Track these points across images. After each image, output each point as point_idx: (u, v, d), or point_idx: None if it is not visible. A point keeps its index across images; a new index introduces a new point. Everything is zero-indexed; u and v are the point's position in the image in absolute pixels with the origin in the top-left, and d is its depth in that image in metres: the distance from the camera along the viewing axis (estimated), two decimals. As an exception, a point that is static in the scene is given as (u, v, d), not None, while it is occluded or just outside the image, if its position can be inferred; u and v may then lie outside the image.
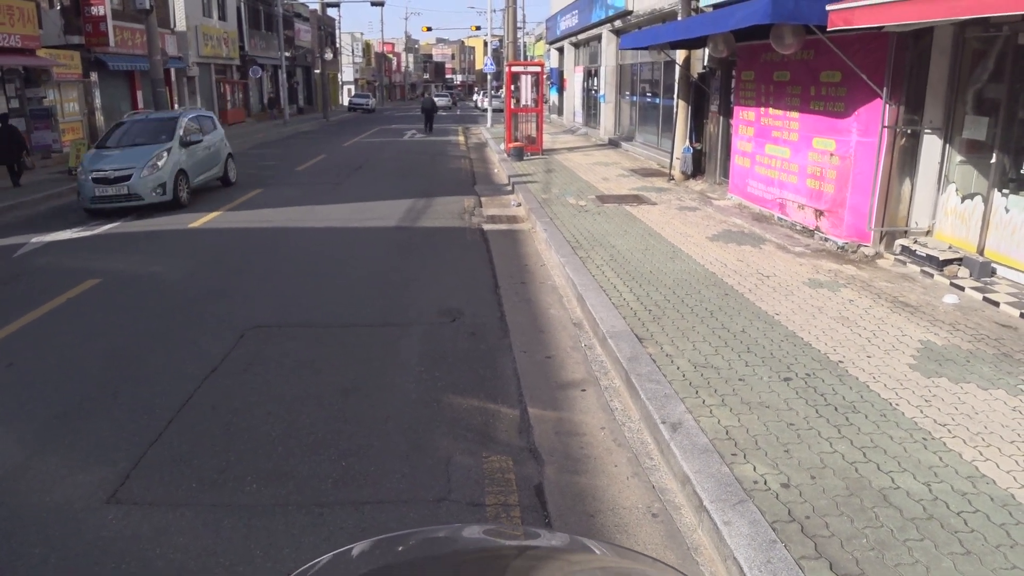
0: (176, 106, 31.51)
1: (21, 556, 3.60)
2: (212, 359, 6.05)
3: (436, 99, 47.12)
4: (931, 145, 8.28)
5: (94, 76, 24.69)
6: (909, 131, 8.31)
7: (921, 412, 4.65)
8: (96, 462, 4.45)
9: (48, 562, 3.56)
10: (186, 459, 4.48)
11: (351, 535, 3.72)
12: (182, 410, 5.14)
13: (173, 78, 31.10)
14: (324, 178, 17.86)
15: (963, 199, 7.96)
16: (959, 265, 7.62)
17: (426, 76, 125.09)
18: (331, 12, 61.37)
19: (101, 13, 23.47)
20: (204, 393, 5.42)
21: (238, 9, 40.05)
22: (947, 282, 7.44)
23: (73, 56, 22.99)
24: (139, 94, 28.28)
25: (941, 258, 7.70)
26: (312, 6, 54.38)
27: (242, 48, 40.46)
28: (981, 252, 7.64)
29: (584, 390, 5.49)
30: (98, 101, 24.90)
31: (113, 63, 25.08)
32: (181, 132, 14.00)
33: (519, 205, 13.25)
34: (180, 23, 32.45)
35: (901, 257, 8.30)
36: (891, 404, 4.77)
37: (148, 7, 20.81)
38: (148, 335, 6.69)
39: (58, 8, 23.13)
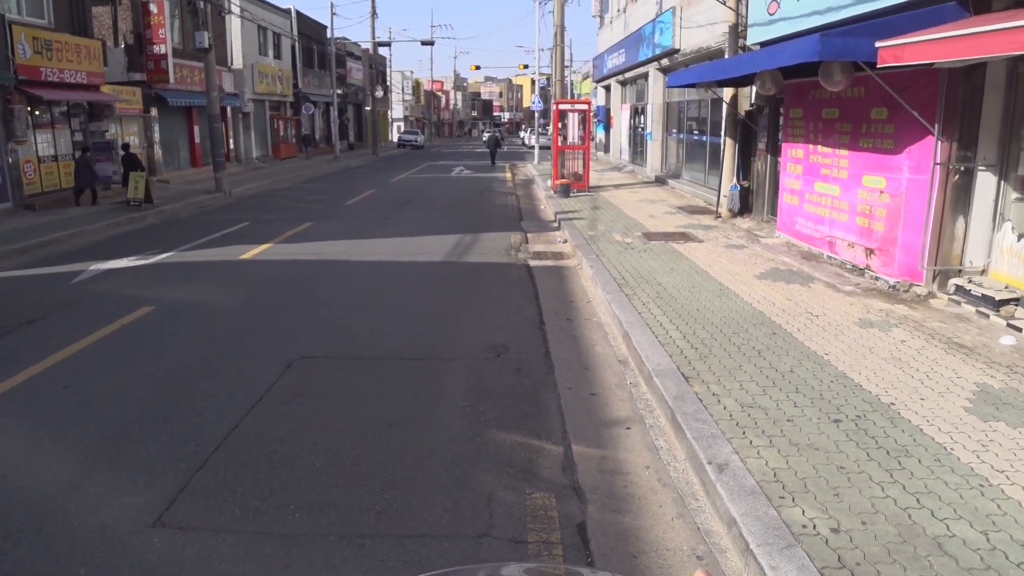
0: (231, 142, 32.44)
1: (68, 574, 3.66)
2: (259, 388, 6.13)
3: (487, 135, 50.16)
4: (985, 182, 8.11)
5: (154, 111, 25.54)
6: (962, 168, 8.16)
7: (978, 457, 4.50)
8: (143, 485, 4.52)
9: (95, 585, 3.61)
10: (230, 486, 4.53)
11: (392, 568, 3.71)
12: (228, 437, 5.20)
13: (229, 114, 32.02)
14: (373, 213, 18.12)
15: (1020, 237, 7.76)
16: (1016, 305, 7.41)
17: (474, 113, 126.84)
18: (382, 51, 62.84)
19: (163, 52, 24.38)
20: (250, 421, 5.48)
21: (293, 48, 41.19)
22: (1004, 323, 7.23)
23: (135, 92, 23.84)
24: (196, 129, 29.16)
25: (997, 298, 7.50)
26: (364, 45, 55.74)
27: (296, 85, 41.52)
28: (1040, 294, 7.43)
29: (629, 428, 5.43)
30: (157, 135, 25.73)
31: (172, 99, 25.94)
32: None
33: (565, 242, 13.27)
34: (237, 61, 33.49)
35: (955, 297, 8.11)
36: (946, 448, 4.62)
37: (207, 46, 21.53)
38: (198, 362, 6.81)
39: (122, 47, 24.06)
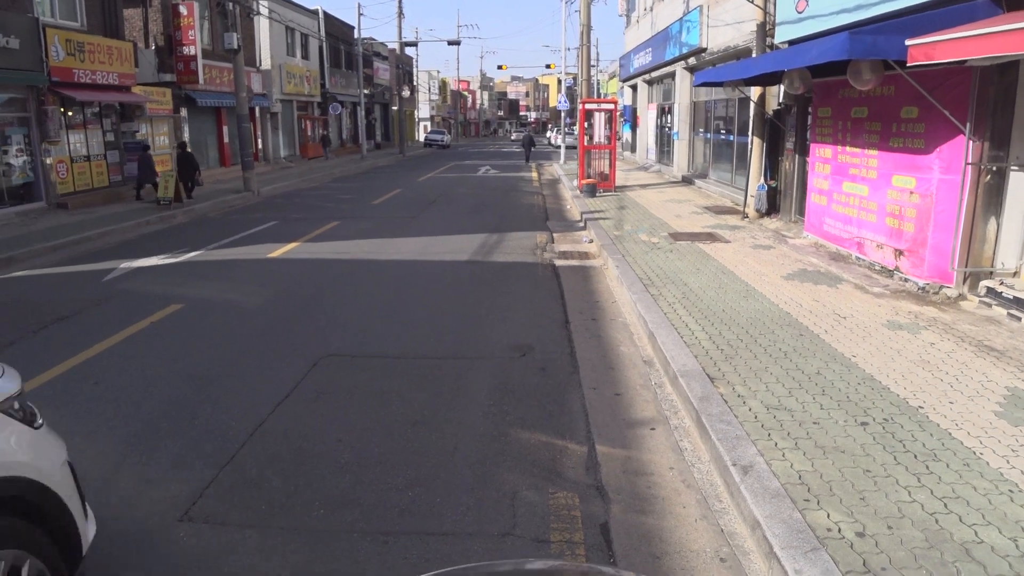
0: (259, 141, 32.76)
1: (98, 567, 3.71)
2: (285, 386, 6.19)
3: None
4: (1018, 183, 7.98)
5: (184, 112, 25.85)
6: (994, 168, 8.04)
7: (1007, 463, 4.43)
8: (172, 480, 4.59)
9: (121, 575, 3.67)
10: (257, 482, 4.58)
11: (415, 566, 3.73)
12: (255, 434, 5.26)
13: (257, 114, 32.31)
14: (399, 212, 18.20)
15: (1054, 241, 7.63)
16: (1050, 309, 7.29)
17: (500, 113, 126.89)
18: (409, 51, 63.08)
19: (192, 53, 24.66)
20: (277, 418, 5.54)
21: (320, 49, 41.48)
22: (1037, 327, 7.11)
23: (165, 93, 24.16)
24: (225, 129, 29.47)
25: (1030, 302, 7.38)
26: (391, 45, 55.95)
27: (323, 85, 41.81)
28: (1074, 296, 7.29)
29: (653, 429, 5.42)
30: (187, 135, 26.03)
31: (202, 100, 26.24)
32: None
33: (591, 241, 13.25)
34: (266, 62, 33.78)
35: (986, 299, 7.99)
36: (975, 453, 4.56)
37: (236, 47, 21.74)
38: (226, 360, 6.89)
39: (153, 48, 24.37)
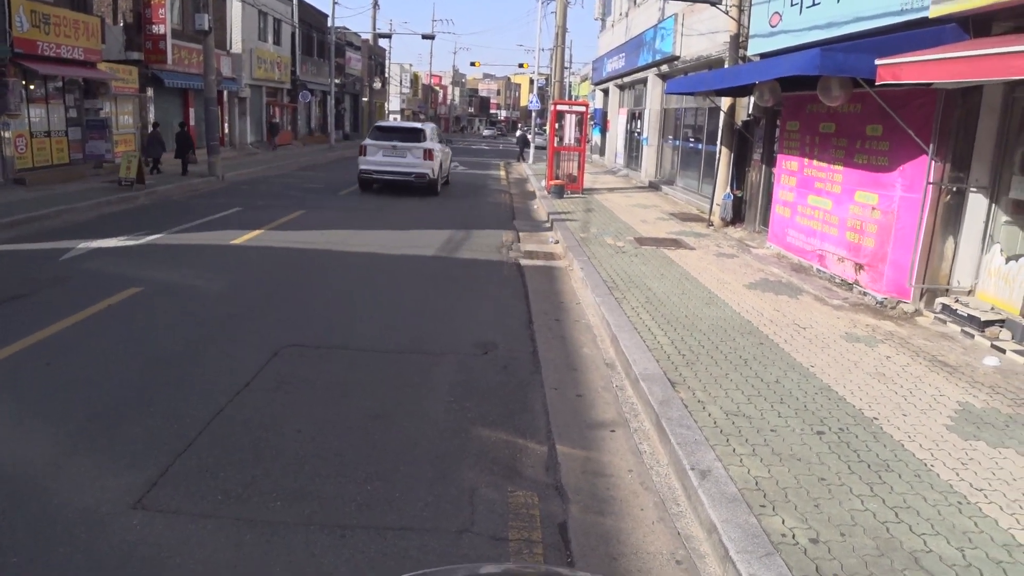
0: (226, 126, 32.33)
1: (47, 553, 3.63)
2: (245, 374, 6.11)
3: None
4: (976, 204, 8.18)
5: (150, 91, 25.39)
6: (954, 188, 8.23)
7: (957, 475, 4.55)
8: (125, 467, 4.50)
9: (72, 562, 3.59)
10: (213, 471, 4.51)
11: (372, 559, 3.72)
12: (212, 422, 5.19)
13: (225, 98, 31.85)
14: (366, 203, 18.09)
15: (1008, 260, 7.83)
16: (1001, 327, 7.48)
17: (471, 110, 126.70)
18: (382, 43, 62.73)
19: (161, 32, 24.21)
20: (235, 407, 5.47)
21: (292, 35, 41.02)
22: (988, 344, 7.30)
23: (131, 71, 23.69)
24: (192, 111, 28.99)
25: (983, 319, 7.57)
26: (364, 36, 55.57)
27: (294, 73, 41.34)
28: (1025, 316, 7.50)
29: (613, 431, 5.45)
30: (152, 115, 25.55)
31: (169, 80, 25.78)
32: None
33: (557, 242, 13.29)
34: (236, 45, 33.33)
35: (941, 316, 8.17)
36: (926, 465, 4.67)
37: (207, 28, 21.42)
38: (184, 346, 6.79)
39: (121, 25, 23.88)
